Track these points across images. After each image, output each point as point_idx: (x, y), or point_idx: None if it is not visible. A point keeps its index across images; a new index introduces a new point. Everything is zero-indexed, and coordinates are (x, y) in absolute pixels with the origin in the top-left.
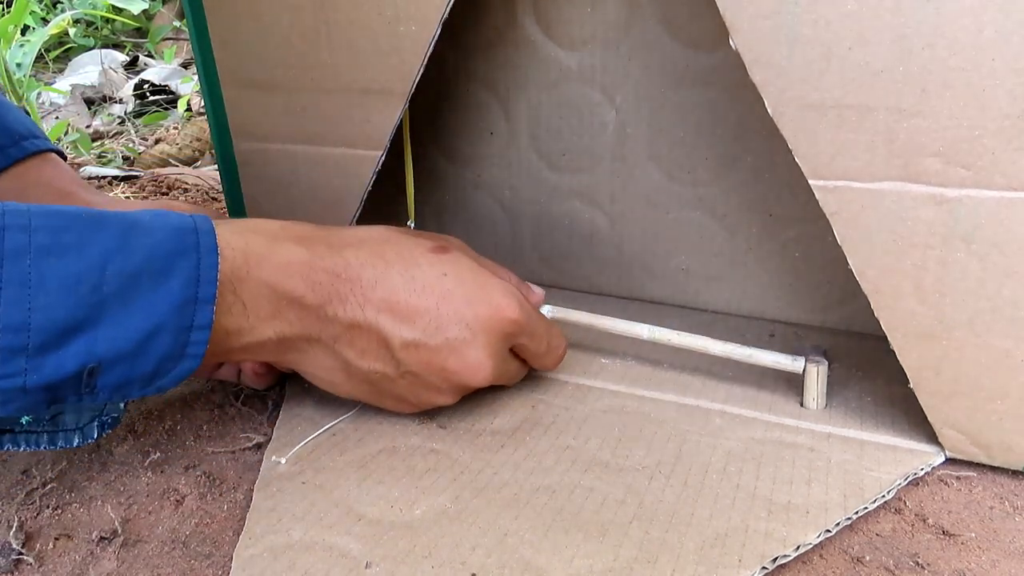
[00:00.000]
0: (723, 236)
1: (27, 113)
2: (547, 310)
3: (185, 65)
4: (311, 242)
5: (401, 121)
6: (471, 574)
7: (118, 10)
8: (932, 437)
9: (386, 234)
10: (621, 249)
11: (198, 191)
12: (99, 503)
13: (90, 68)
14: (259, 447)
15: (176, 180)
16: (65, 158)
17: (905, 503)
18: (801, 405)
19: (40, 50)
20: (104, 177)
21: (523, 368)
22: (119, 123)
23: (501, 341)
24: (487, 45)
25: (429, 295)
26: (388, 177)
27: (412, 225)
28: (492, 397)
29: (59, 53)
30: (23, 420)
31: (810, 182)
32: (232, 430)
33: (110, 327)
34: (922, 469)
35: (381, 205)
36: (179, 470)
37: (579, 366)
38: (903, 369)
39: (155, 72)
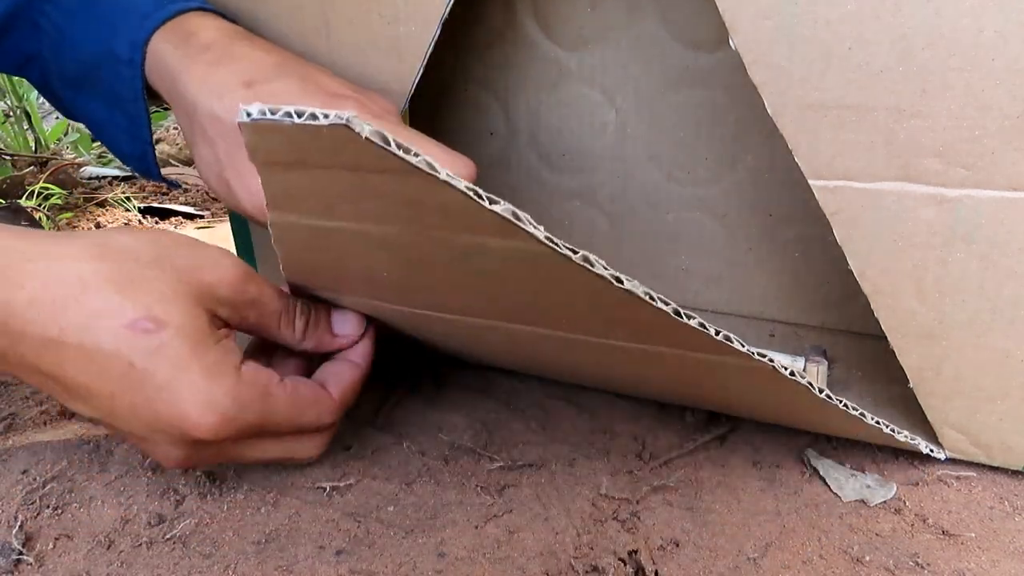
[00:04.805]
0: (723, 236)
1: (27, 114)
2: None
3: None
4: None
5: None
6: None
7: None
8: (932, 437)
9: (97, 279)
10: (621, 249)
11: (198, 191)
12: (99, 503)
13: None
14: None
15: (176, 180)
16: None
17: (905, 503)
18: None
19: None
20: (104, 177)
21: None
22: None
23: (188, 446)
24: (487, 45)
25: (105, 381)
26: None
27: None
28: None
29: None
30: None
31: (810, 182)
32: None
33: None
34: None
35: None
36: (179, 470)
37: None
38: (903, 369)
39: None
